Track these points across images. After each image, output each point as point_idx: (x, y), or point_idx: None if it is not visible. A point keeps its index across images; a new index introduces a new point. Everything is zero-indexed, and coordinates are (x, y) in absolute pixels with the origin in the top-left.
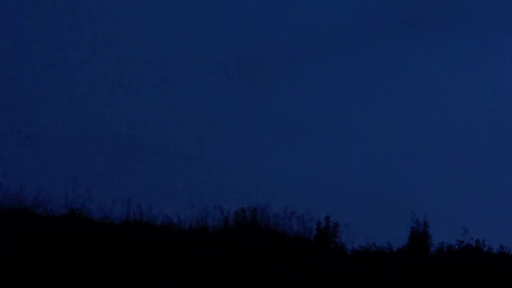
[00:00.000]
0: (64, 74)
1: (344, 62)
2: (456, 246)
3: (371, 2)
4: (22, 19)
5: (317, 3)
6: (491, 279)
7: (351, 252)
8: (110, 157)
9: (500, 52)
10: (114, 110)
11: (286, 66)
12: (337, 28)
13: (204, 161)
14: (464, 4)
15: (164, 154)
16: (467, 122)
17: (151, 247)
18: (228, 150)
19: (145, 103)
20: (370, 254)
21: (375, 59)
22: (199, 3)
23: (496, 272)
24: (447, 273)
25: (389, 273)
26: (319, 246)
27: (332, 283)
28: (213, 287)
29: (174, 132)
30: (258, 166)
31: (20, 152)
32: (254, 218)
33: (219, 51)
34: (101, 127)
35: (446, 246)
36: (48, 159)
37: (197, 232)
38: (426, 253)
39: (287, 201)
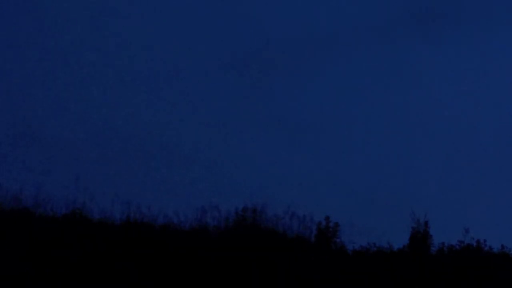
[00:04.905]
0: (65, 76)
1: (344, 62)
2: (457, 246)
3: (374, 1)
4: (26, 20)
5: (323, 1)
6: (491, 279)
7: (351, 252)
8: (110, 158)
9: (505, 51)
10: (114, 111)
11: (288, 66)
12: (340, 27)
13: (204, 161)
14: (470, 2)
15: (164, 154)
16: (468, 122)
17: (151, 247)
18: (229, 150)
19: (145, 103)
20: (371, 254)
21: (375, 59)
22: (205, 3)
23: (496, 272)
24: (447, 273)
25: (389, 273)
26: (320, 246)
27: (332, 283)
28: (213, 287)
29: (174, 132)
30: (259, 166)
31: (21, 153)
32: (254, 218)
33: (220, 51)
34: (101, 128)
35: (446, 246)
36: (49, 160)
37: (197, 232)
38: (426, 253)
39: (287, 201)
